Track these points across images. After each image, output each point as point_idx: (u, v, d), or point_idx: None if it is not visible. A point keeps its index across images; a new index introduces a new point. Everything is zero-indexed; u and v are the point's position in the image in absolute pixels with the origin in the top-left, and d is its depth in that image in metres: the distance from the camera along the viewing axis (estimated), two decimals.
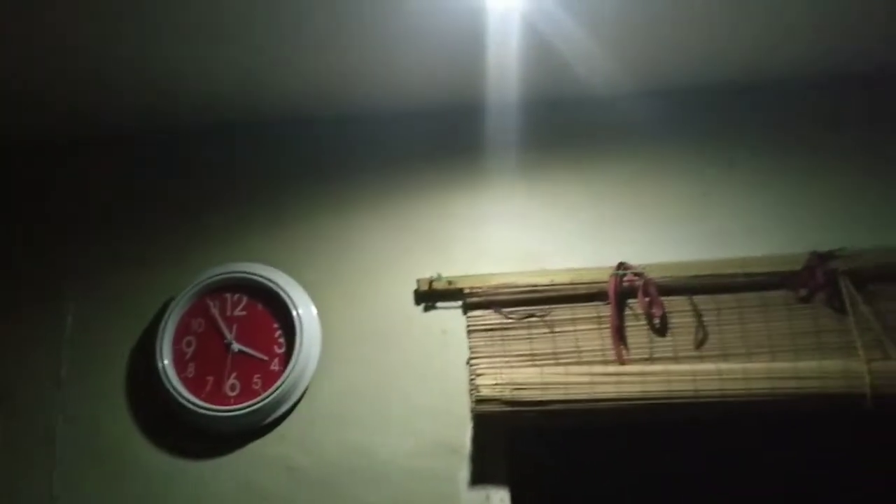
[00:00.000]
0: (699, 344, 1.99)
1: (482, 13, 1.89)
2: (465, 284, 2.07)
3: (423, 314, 2.09)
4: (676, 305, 2.02)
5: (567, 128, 2.24)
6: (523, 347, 2.02)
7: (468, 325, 2.05)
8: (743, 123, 2.22)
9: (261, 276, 2.10)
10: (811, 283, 1.99)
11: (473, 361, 2.01)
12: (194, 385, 2.03)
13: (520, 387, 1.91)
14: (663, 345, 2.00)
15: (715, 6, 1.93)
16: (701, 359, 1.97)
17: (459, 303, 2.08)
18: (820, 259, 2.00)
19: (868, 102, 2.21)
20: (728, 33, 2.04)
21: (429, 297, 2.09)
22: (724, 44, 2.08)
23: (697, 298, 2.02)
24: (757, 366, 1.91)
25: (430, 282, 2.08)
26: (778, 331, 1.98)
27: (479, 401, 1.91)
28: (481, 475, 1.93)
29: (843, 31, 2.05)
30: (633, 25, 1.98)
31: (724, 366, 1.91)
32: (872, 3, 1.94)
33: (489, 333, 2.04)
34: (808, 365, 1.89)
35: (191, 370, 2.05)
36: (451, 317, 2.08)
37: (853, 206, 2.09)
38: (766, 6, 1.94)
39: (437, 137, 2.26)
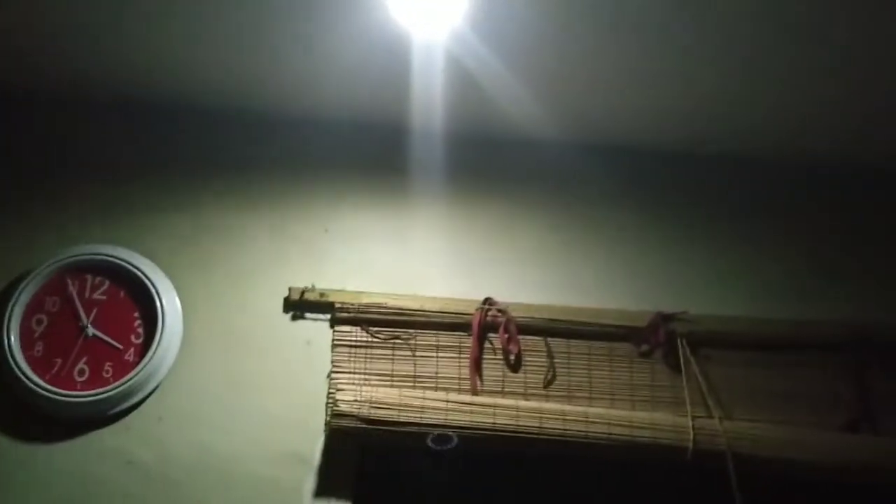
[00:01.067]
0: (548, 383, 2.11)
1: (408, 42, 1.94)
2: (336, 299, 2.10)
3: (289, 323, 2.10)
4: (532, 345, 2.14)
5: (455, 163, 2.32)
6: (385, 367, 2.07)
7: (334, 339, 2.08)
8: (609, 184, 2.36)
9: (126, 262, 2.04)
10: (653, 339, 2.16)
11: (334, 375, 2.04)
12: (40, 365, 1.94)
13: (378, 405, 1.95)
14: (515, 380, 2.11)
15: (617, 69, 2.07)
16: (547, 398, 2.09)
17: (328, 316, 2.10)
18: (663, 319, 2.17)
19: (728, 181, 2.41)
20: (621, 102, 2.20)
21: (298, 306, 2.10)
22: (613, 110, 2.24)
23: (552, 340, 2.14)
24: (597, 410, 2.04)
25: (303, 291, 2.10)
26: (619, 380, 2.13)
27: (336, 415, 1.94)
28: (327, 488, 1.95)
29: (717, 115, 2.25)
30: (545, 77, 2.09)
31: (567, 407, 2.03)
32: (741, 92, 2.15)
33: (353, 350, 2.08)
34: (641, 415, 2.05)
35: (38, 349, 1.96)
36: (317, 328, 2.10)
37: (699, 274, 2.28)
38: (661, 85, 2.12)
39: (332, 151, 2.29)
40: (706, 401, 2.10)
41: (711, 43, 1.94)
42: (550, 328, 2.15)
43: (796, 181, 2.43)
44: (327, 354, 2.07)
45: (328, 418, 1.96)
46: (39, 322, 1.98)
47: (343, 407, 1.95)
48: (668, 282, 2.26)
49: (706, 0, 1.80)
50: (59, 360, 1.96)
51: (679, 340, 2.15)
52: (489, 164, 2.34)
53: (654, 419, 2.04)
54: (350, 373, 2.05)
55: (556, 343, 2.15)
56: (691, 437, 2.01)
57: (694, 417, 2.05)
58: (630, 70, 2.07)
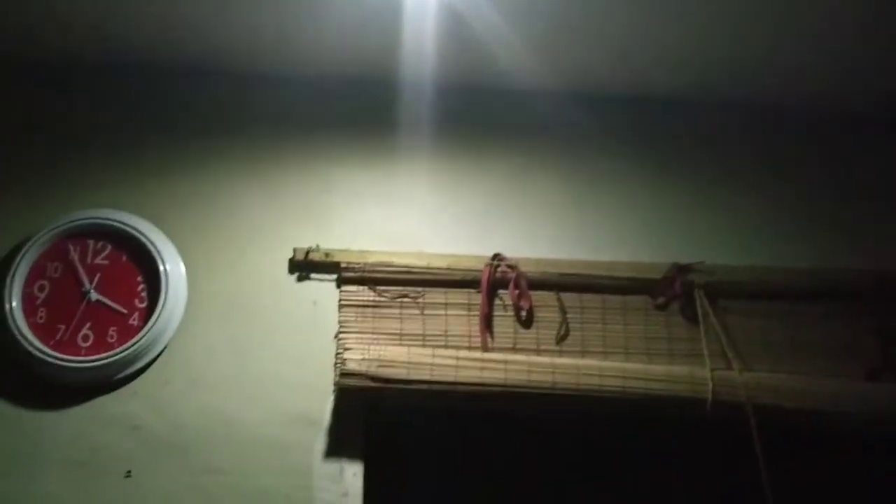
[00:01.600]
0: (561, 339, 2.06)
1: None
2: (341, 258, 2.06)
3: (295, 284, 2.06)
4: (544, 300, 2.09)
5: (463, 116, 2.27)
6: (393, 326, 2.03)
7: (340, 300, 2.04)
8: (620, 134, 2.31)
9: (128, 226, 2.01)
10: (669, 292, 2.11)
11: (342, 335, 2.00)
12: (44, 332, 1.91)
13: (386, 364, 1.92)
14: (527, 336, 2.06)
15: (611, 20, 2.02)
16: (561, 353, 2.04)
17: (334, 276, 2.07)
18: (679, 271, 2.11)
19: (742, 129, 2.35)
20: (625, 49, 2.14)
21: (303, 267, 2.07)
22: (620, 58, 2.18)
23: (564, 295, 2.09)
24: (612, 364, 1.99)
25: (307, 252, 2.06)
26: (634, 334, 2.09)
27: (345, 374, 1.91)
28: (337, 448, 1.92)
29: (727, 59, 2.19)
30: (544, 24, 2.03)
31: (581, 361, 1.99)
32: (754, 35, 2.08)
33: (360, 310, 2.04)
34: (658, 368, 2.00)
35: (41, 315, 1.93)
36: (323, 289, 2.06)
37: (716, 224, 2.23)
38: (669, 31, 2.06)
39: (336, 109, 2.24)
40: (725, 352, 2.05)
41: None
42: (562, 282, 2.10)
43: (815, 128, 2.36)
44: (334, 315, 2.03)
45: (336, 378, 1.93)
46: (42, 288, 1.96)
47: (351, 366, 1.91)
48: (683, 232, 2.21)
49: None
50: (62, 326, 1.93)
51: (696, 292, 2.10)
52: (492, 116, 2.29)
53: (670, 372, 1.99)
54: (358, 333, 2.01)
55: (569, 298, 2.10)
56: (710, 388, 1.96)
57: (713, 370, 2.00)
58: (632, 13, 2.00)
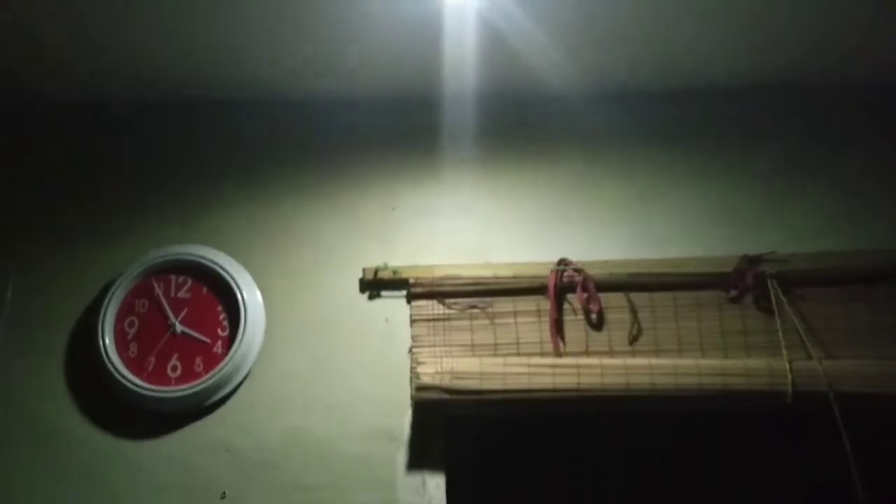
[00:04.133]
0: (633, 339, 2.06)
1: (440, 6, 1.93)
2: (409, 274, 2.11)
3: (367, 302, 2.12)
4: (613, 302, 2.09)
5: (517, 125, 2.30)
6: (464, 338, 2.06)
7: (411, 315, 2.09)
8: (679, 127, 2.30)
9: (207, 259, 2.11)
10: (741, 284, 2.08)
11: (415, 350, 2.05)
12: (136, 365, 2.03)
13: (459, 376, 1.95)
14: (599, 339, 2.07)
15: (663, 17, 2.02)
16: (634, 354, 2.04)
17: (403, 292, 2.12)
18: (750, 262, 2.09)
19: (803, 113, 2.31)
20: (674, 43, 2.13)
21: (373, 285, 2.13)
22: (672, 53, 2.17)
23: (633, 295, 2.09)
24: (686, 362, 1.98)
25: (376, 271, 2.12)
26: (709, 329, 2.06)
27: (420, 388, 1.95)
28: (418, 461, 1.97)
29: (785, 43, 2.15)
30: (585, 30, 2.05)
31: (655, 361, 1.98)
32: (806, 17, 2.04)
33: (431, 323, 2.08)
34: (734, 363, 1.98)
35: (133, 350, 2.05)
36: (394, 306, 2.11)
37: (784, 212, 2.19)
38: (715, 18, 2.03)
39: (390, 127, 2.30)
40: (804, 342, 2.02)
41: None
42: (631, 283, 2.10)
43: (875, 105, 2.30)
44: (407, 330, 2.08)
45: (412, 392, 1.98)
46: (131, 324, 2.08)
47: (425, 380, 1.96)
48: (751, 223, 2.18)
49: None
50: (152, 359, 2.04)
51: (769, 282, 2.07)
52: (544, 123, 2.31)
53: (748, 366, 1.96)
54: (430, 346, 2.06)
55: (639, 297, 2.09)
56: (789, 380, 1.93)
57: (791, 360, 1.97)
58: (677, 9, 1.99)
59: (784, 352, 1.99)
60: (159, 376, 2.02)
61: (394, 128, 2.30)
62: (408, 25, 2.00)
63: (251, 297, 2.09)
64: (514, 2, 1.92)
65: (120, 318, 2.07)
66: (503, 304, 2.09)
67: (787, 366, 1.95)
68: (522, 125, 2.30)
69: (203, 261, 2.11)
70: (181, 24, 2.00)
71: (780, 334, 2.02)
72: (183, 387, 2.00)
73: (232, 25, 2.01)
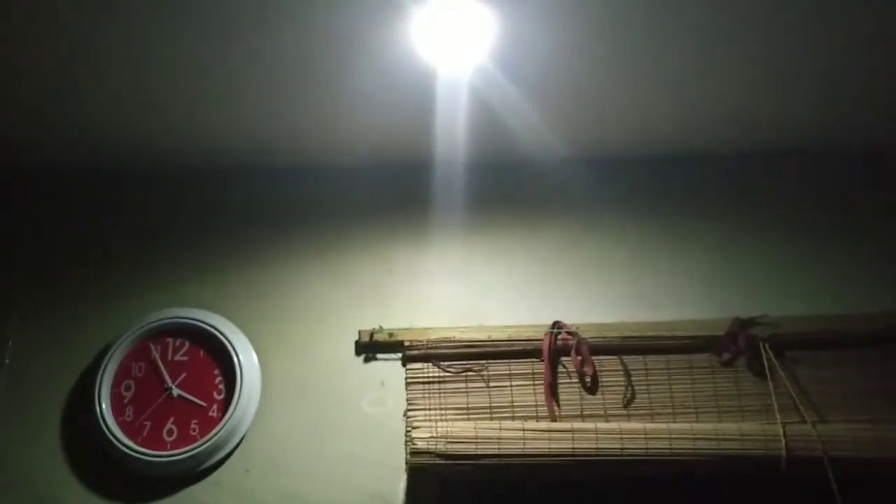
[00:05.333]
0: (628, 403, 2.07)
1: (433, 79, 1.99)
2: (405, 337, 2.12)
3: (363, 365, 2.14)
4: (607, 365, 2.10)
5: (508, 191, 2.34)
6: (460, 401, 2.07)
7: (407, 378, 2.10)
8: (669, 192, 2.34)
9: (204, 322, 2.12)
10: (733, 347, 2.09)
11: (410, 413, 2.06)
12: (132, 429, 2.03)
13: (454, 440, 1.95)
14: (594, 402, 2.07)
15: (650, 86, 2.07)
16: (629, 417, 2.05)
17: (399, 355, 2.13)
18: (742, 325, 2.10)
19: (792, 176, 2.36)
20: (659, 112, 2.18)
21: (369, 348, 2.14)
22: (655, 121, 2.23)
23: (627, 358, 2.10)
24: (680, 426, 1.98)
25: (371, 333, 2.13)
26: (703, 392, 2.08)
27: (415, 453, 1.95)
28: None
29: (772, 109, 2.20)
30: (574, 100, 2.11)
31: (649, 425, 1.98)
32: (795, 83, 2.09)
33: (427, 386, 2.09)
34: (728, 426, 1.98)
35: (129, 414, 2.05)
36: (390, 368, 2.12)
37: (775, 274, 2.22)
38: (694, 88, 2.09)
39: (383, 193, 2.34)
40: (797, 405, 2.02)
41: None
42: (624, 346, 2.11)
43: (862, 171, 2.35)
44: (402, 393, 2.09)
45: (407, 457, 1.98)
46: (128, 388, 2.08)
47: (420, 444, 1.96)
48: (742, 286, 2.20)
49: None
50: (148, 423, 2.04)
51: (761, 345, 2.08)
52: (536, 188, 2.35)
53: (742, 429, 1.97)
54: (426, 409, 2.06)
55: (633, 360, 2.11)
56: (783, 444, 1.93)
57: (785, 424, 1.97)
58: (649, 82, 2.06)
59: (777, 415, 2.00)
60: (155, 440, 2.02)
61: (388, 194, 2.34)
62: (402, 98, 2.05)
63: (247, 359, 2.10)
64: (504, 75, 1.97)
65: (117, 382, 2.08)
66: (498, 367, 2.10)
67: (781, 430, 1.95)
68: (513, 191, 2.34)
69: (200, 324, 2.12)
70: (178, 96, 2.04)
71: (773, 398, 2.03)
72: (178, 451, 1.99)
73: (229, 98, 2.05)
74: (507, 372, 2.10)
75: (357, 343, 2.14)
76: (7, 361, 2.13)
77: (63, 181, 2.35)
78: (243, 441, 2.05)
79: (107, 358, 2.08)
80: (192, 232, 2.30)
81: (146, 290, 2.21)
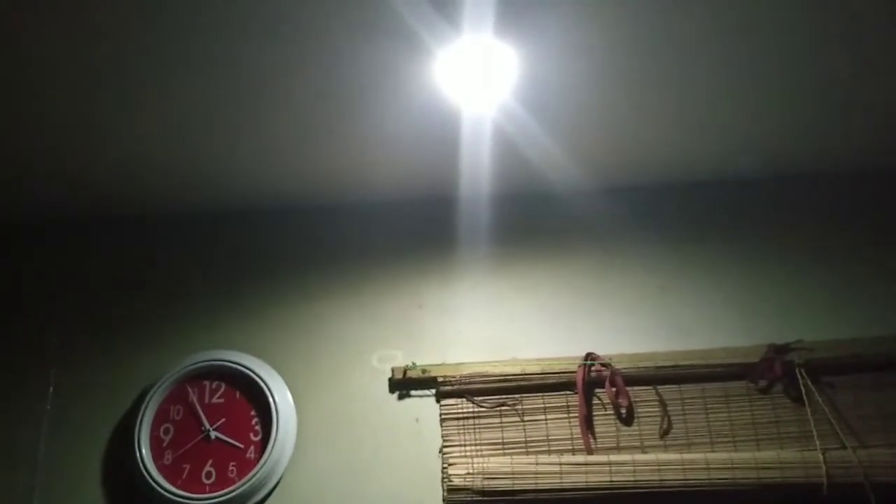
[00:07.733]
0: (664, 433, 2.06)
1: (457, 117, 2.02)
2: (438, 373, 2.13)
3: (397, 402, 2.15)
4: (642, 395, 2.10)
5: (535, 223, 2.36)
6: (495, 436, 2.07)
7: (441, 414, 2.11)
8: (699, 219, 2.35)
9: (239, 364, 2.15)
10: (769, 374, 2.08)
11: (446, 450, 2.06)
12: (171, 473, 2.05)
13: (491, 476, 1.96)
14: (630, 433, 2.07)
15: (670, 115, 2.09)
16: (665, 448, 2.03)
17: (433, 391, 2.14)
18: (777, 351, 2.09)
19: (823, 200, 2.35)
20: (683, 139, 2.20)
21: (403, 385, 2.15)
22: (680, 148, 2.24)
23: (662, 388, 2.10)
24: (719, 455, 1.97)
25: (405, 370, 2.14)
26: (740, 420, 2.06)
27: (452, 490, 1.96)
28: None
29: (803, 133, 2.21)
30: (594, 132, 2.14)
31: (687, 456, 1.98)
32: (821, 109, 2.10)
33: (461, 422, 2.09)
34: (767, 455, 1.97)
35: (168, 457, 2.07)
36: (424, 404, 2.13)
37: (808, 299, 2.21)
38: (718, 118, 2.11)
39: (412, 230, 2.36)
40: (836, 431, 2.01)
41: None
42: (659, 376, 2.11)
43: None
44: (437, 429, 2.10)
45: (444, 494, 1.98)
46: (167, 431, 2.11)
47: (457, 482, 1.96)
48: (776, 311, 2.19)
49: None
50: (187, 466, 2.06)
51: (797, 371, 2.07)
52: (559, 220, 2.37)
53: (781, 457, 1.96)
54: (461, 445, 2.06)
55: (668, 391, 2.10)
56: (824, 471, 1.92)
57: (825, 450, 1.96)
58: (669, 110, 2.08)
59: (817, 442, 1.98)
60: (194, 483, 2.04)
61: (417, 229, 2.36)
62: (428, 136, 2.09)
63: (283, 400, 2.12)
64: (526, 111, 2.00)
65: (156, 426, 2.10)
66: (533, 401, 2.10)
67: (821, 457, 1.94)
68: (540, 222, 2.36)
69: (236, 366, 2.14)
70: (216, 143, 2.09)
71: (812, 424, 2.01)
72: (217, 493, 2.01)
73: (261, 144, 2.10)
74: (542, 405, 2.10)
75: (390, 380, 2.16)
76: (48, 407, 2.17)
77: (100, 227, 2.40)
78: (281, 482, 2.06)
79: (145, 402, 2.10)
80: (224, 274, 2.33)
81: (181, 333, 2.25)
